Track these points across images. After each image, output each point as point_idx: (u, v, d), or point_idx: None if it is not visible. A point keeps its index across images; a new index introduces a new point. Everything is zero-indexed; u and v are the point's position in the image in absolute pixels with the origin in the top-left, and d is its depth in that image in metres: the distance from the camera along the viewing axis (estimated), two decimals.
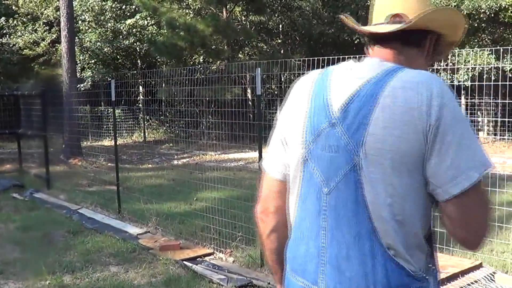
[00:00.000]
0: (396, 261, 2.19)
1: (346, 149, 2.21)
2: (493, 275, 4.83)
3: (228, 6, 27.29)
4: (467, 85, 22.54)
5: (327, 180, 2.27)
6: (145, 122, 28.37)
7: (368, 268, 2.19)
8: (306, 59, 7.05)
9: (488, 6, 24.69)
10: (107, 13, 32.51)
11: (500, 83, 9.67)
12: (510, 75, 21.48)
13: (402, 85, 2.18)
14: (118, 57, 35.42)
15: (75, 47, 24.87)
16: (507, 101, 10.48)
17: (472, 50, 20.59)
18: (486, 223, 2.26)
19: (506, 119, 20.76)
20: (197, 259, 8.36)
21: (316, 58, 8.07)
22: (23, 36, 34.09)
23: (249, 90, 23.62)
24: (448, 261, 4.74)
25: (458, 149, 2.13)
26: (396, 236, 2.18)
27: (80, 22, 32.59)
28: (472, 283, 4.56)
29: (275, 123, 2.56)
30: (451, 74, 23.64)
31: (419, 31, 2.39)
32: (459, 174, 2.14)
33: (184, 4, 30.18)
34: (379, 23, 2.49)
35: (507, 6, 25.04)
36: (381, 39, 2.43)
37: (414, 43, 2.42)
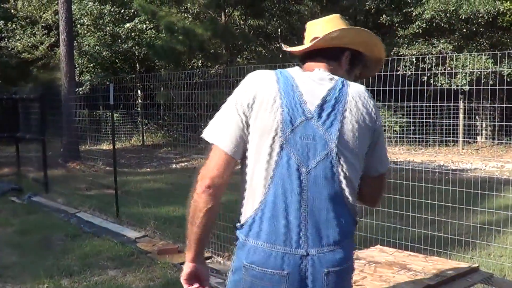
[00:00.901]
0: (354, 217, 3.02)
1: (323, 138, 2.85)
2: (490, 279, 4.85)
3: (226, 11, 27.29)
4: (465, 90, 22.62)
5: (305, 163, 2.84)
6: (144, 126, 28.37)
7: (341, 224, 2.91)
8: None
9: (486, 11, 24.70)
10: (106, 17, 32.46)
11: (497, 87, 9.73)
12: (508, 80, 21.51)
13: (357, 93, 2.97)
14: (117, 61, 35.37)
15: (74, 50, 24.84)
16: (504, 105, 10.52)
17: (470, 55, 20.59)
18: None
19: (504, 123, 20.81)
20: None
21: None
22: (21, 40, 34.05)
23: None
24: (445, 265, 4.76)
25: (383, 147, 3.13)
26: (353, 199, 2.98)
27: (78, 26, 32.54)
28: (469, 287, 4.57)
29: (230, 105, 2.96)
30: (449, 79, 23.72)
31: (335, 48, 3.10)
32: (385, 161, 3.16)
33: (183, 8, 30.15)
34: (305, 45, 3.20)
35: (505, 11, 25.06)
36: (309, 56, 3.13)
37: (333, 58, 3.10)
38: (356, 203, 3.00)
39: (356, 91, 2.96)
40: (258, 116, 2.86)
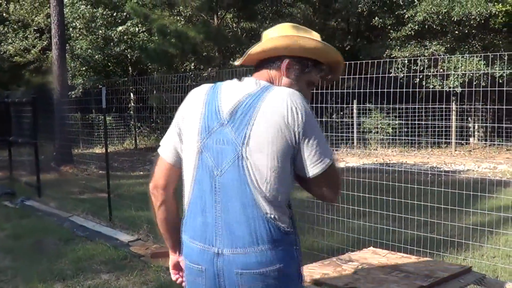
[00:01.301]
0: (273, 222, 2.99)
1: (233, 143, 2.98)
2: (483, 280, 4.86)
3: (219, 13, 27.27)
4: (457, 91, 22.67)
5: (217, 166, 3.02)
6: (136, 129, 28.35)
7: (252, 228, 2.97)
8: None
9: (478, 13, 24.78)
10: (98, 20, 32.45)
11: (489, 89, 9.73)
12: (500, 81, 21.56)
13: (276, 97, 3.00)
14: (109, 64, 35.40)
15: (66, 54, 24.83)
16: (496, 107, 10.54)
17: (463, 57, 20.65)
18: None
19: (496, 125, 20.84)
20: None
21: None
22: (13, 43, 34.07)
23: None
24: (438, 266, 4.77)
25: (310, 151, 3.01)
26: (271, 205, 2.98)
27: (71, 29, 32.54)
28: (461, 287, 4.58)
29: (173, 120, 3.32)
30: (442, 80, 23.77)
31: (274, 57, 3.21)
32: (310, 166, 3.04)
33: (175, 11, 30.14)
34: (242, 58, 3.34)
35: (497, 13, 25.13)
36: (255, 66, 3.31)
37: (273, 67, 3.22)
38: (281, 207, 3.04)
39: (276, 95, 3.02)
40: (187, 126, 3.20)
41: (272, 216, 2.99)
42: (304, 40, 3.18)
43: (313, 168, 3.01)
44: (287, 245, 3.05)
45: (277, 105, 2.97)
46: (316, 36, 3.25)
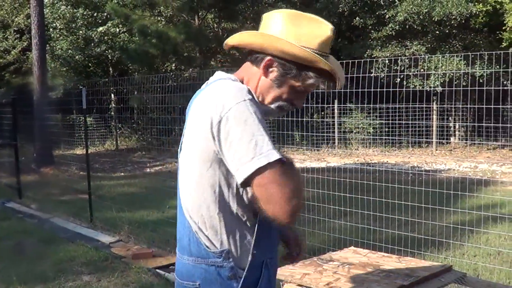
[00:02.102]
0: (196, 235, 2.78)
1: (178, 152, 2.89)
2: (463, 279, 4.87)
3: (200, 14, 27.25)
4: (438, 91, 22.75)
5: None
6: (117, 130, 28.27)
7: (186, 238, 2.83)
8: None
9: (459, 13, 24.91)
10: (79, 20, 32.35)
11: (469, 88, 9.75)
12: (480, 81, 21.66)
13: (204, 96, 2.73)
14: (90, 64, 35.29)
15: (46, 55, 24.73)
16: (477, 106, 10.61)
17: (443, 56, 20.73)
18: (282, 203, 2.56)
19: (476, 124, 20.92)
20: (170, 267, 8.34)
21: None
22: None
23: None
24: (418, 265, 4.78)
25: (231, 156, 2.58)
26: (197, 215, 2.76)
27: (51, 29, 32.43)
28: (442, 286, 4.58)
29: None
30: (422, 80, 23.84)
31: (259, 53, 2.84)
32: (235, 172, 2.60)
33: (156, 11, 30.08)
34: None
35: (477, 13, 25.26)
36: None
37: (256, 62, 2.85)
38: (209, 223, 2.75)
39: (206, 93, 2.76)
40: None
41: (198, 227, 2.77)
42: (282, 43, 2.74)
43: (238, 174, 2.58)
44: (211, 265, 2.78)
45: (202, 104, 2.70)
46: (320, 30, 2.84)
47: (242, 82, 2.89)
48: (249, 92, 2.71)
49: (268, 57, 2.80)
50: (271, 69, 2.81)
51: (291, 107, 2.91)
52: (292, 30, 2.80)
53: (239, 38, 2.94)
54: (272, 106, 2.85)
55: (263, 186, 2.52)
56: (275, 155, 2.52)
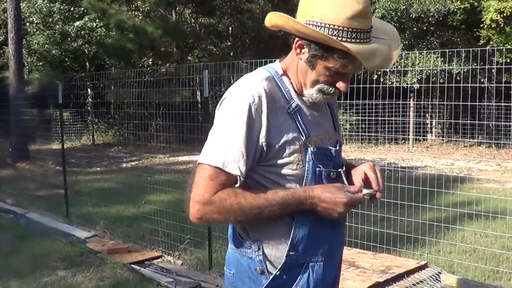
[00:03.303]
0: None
1: None
2: (438, 275, 4.90)
3: (177, 9, 27.22)
4: (415, 88, 22.81)
5: None
6: (94, 125, 28.17)
7: (231, 225, 2.89)
8: (254, 61, 7.05)
9: (436, 10, 24.97)
10: (55, 15, 32.19)
11: (446, 85, 9.78)
12: (458, 78, 21.74)
13: None
14: (67, 59, 35.12)
15: (23, 49, 24.60)
16: (453, 103, 10.64)
17: (421, 53, 20.77)
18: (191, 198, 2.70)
19: (453, 121, 21.01)
20: (145, 262, 8.34)
21: (264, 60, 8.09)
22: None
23: (198, 93, 23.59)
24: (394, 261, 4.80)
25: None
26: None
27: (27, 24, 32.25)
28: (417, 283, 4.60)
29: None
30: (399, 77, 23.89)
31: (293, 36, 2.70)
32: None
33: (133, 6, 30.01)
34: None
35: (455, 10, 25.34)
36: None
37: (293, 46, 2.72)
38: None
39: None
40: None
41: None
42: (293, 22, 2.64)
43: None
44: (243, 255, 2.82)
45: None
46: (347, 4, 2.55)
47: (285, 70, 2.81)
48: (263, 91, 2.65)
49: (297, 39, 2.68)
50: (303, 51, 2.68)
51: (336, 90, 2.72)
52: (314, 6, 2.61)
53: (269, 19, 2.79)
54: (313, 91, 2.71)
55: (195, 179, 2.70)
56: (217, 162, 2.62)
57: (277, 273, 2.74)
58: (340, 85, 2.68)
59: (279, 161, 2.68)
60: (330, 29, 2.54)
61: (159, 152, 16.57)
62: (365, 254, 5.07)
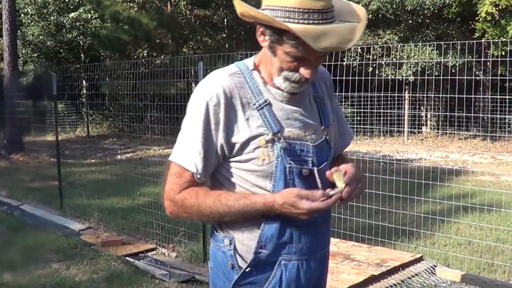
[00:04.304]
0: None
1: None
2: (433, 268, 4.89)
3: (172, 0, 27.19)
4: (410, 80, 22.83)
5: None
6: (89, 117, 28.14)
7: None
8: (249, 53, 7.03)
9: (432, 2, 25.03)
10: (50, 6, 32.16)
11: (441, 77, 9.73)
12: (453, 71, 21.74)
13: None
14: (61, 50, 35.08)
15: (17, 40, 24.56)
16: (448, 95, 10.62)
17: (416, 46, 20.79)
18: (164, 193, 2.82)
19: (448, 114, 21.03)
20: (140, 255, 8.33)
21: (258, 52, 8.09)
22: None
23: (193, 84, 23.61)
24: (389, 254, 4.79)
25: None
26: None
27: (22, 15, 32.21)
28: (412, 276, 4.59)
29: None
30: (395, 69, 23.89)
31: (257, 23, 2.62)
32: None
33: None
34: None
35: (450, 3, 25.36)
36: None
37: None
38: None
39: None
40: None
41: None
42: (241, 6, 2.59)
43: None
44: (218, 249, 2.84)
45: None
46: None
47: (258, 64, 2.77)
48: (222, 89, 2.63)
49: (258, 26, 2.62)
50: (265, 38, 2.63)
51: (302, 77, 2.62)
52: None
53: (236, 8, 2.65)
54: (280, 79, 2.65)
55: (167, 174, 2.78)
56: (178, 160, 2.72)
57: (247, 270, 2.74)
58: (303, 71, 2.61)
59: (244, 157, 2.67)
60: (283, 11, 2.48)
61: (153, 144, 16.52)
62: (360, 247, 5.06)
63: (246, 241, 2.74)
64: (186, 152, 2.68)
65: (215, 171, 2.77)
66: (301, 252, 2.77)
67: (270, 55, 2.64)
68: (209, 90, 2.64)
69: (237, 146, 2.65)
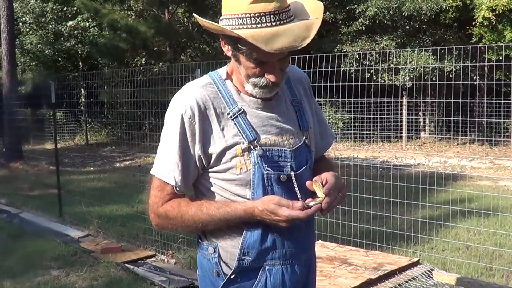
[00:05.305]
0: None
1: None
2: (430, 272, 4.92)
3: (170, 8, 27.19)
4: (408, 86, 22.85)
5: None
6: (87, 125, 28.15)
7: None
8: None
9: (429, 8, 25.06)
10: (48, 15, 32.20)
11: (438, 82, 9.78)
12: (450, 76, 21.79)
13: None
14: (60, 59, 35.10)
15: (16, 49, 24.58)
16: (445, 101, 10.67)
17: (413, 51, 20.80)
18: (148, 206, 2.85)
19: (446, 119, 21.05)
20: (139, 262, 8.36)
21: None
22: None
23: None
24: (386, 259, 4.82)
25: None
26: None
27: (20, 24, 32.24)
28: (409, 280, 4.62)
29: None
30: (392, 75, 23.93)
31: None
32: None
33: (126, 5, 29.98)
34: None
35: (447, 8, 25.40)
36: None
37: None
38: None
39: None
40: None
41: None
42: (203, 21, 2.67)
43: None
44: (203, 257, 2.91)
45: None
46: None
47: (230, 73, 2.80)
48: (195, 101, 2.67)
49: (220, 36, 2.67)
50: (227, 48, 2.67)
51: (269, 82, 2.64)
52: (224, 1, 2.60)
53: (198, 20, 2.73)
54: (249, 86, 2.68)
55: (150, 188, 2.82)
56: (158, 173, 2.78)
57: (232, 276, 2.79)
58: (268, 75, 2.63)
59: (222, 167, 2.71)
60: (235, 19, 2.51)
61: (152, 151, 16.49)
62: (357, 252, 5.09)
63: (229, 249, 2.79)
64: (165, 166, 2.74)
65: (197, 181, 2.83)
66: (284, 256, 2.81)
67: (236, 64, 2.69)
68: (183, 102, 2.69)
69: (214, 157, 2.70)
